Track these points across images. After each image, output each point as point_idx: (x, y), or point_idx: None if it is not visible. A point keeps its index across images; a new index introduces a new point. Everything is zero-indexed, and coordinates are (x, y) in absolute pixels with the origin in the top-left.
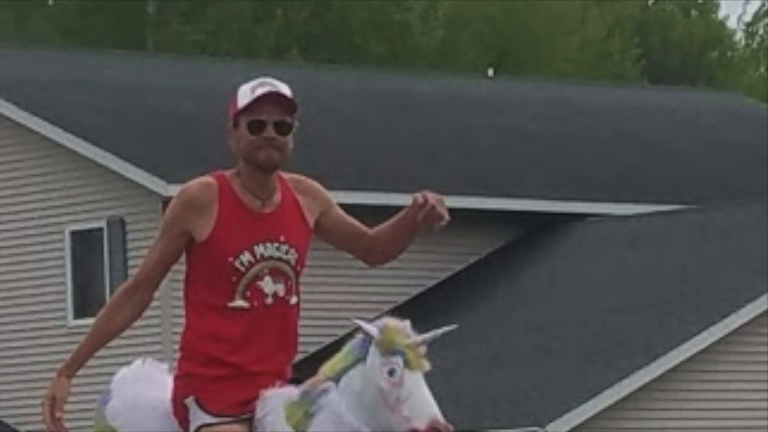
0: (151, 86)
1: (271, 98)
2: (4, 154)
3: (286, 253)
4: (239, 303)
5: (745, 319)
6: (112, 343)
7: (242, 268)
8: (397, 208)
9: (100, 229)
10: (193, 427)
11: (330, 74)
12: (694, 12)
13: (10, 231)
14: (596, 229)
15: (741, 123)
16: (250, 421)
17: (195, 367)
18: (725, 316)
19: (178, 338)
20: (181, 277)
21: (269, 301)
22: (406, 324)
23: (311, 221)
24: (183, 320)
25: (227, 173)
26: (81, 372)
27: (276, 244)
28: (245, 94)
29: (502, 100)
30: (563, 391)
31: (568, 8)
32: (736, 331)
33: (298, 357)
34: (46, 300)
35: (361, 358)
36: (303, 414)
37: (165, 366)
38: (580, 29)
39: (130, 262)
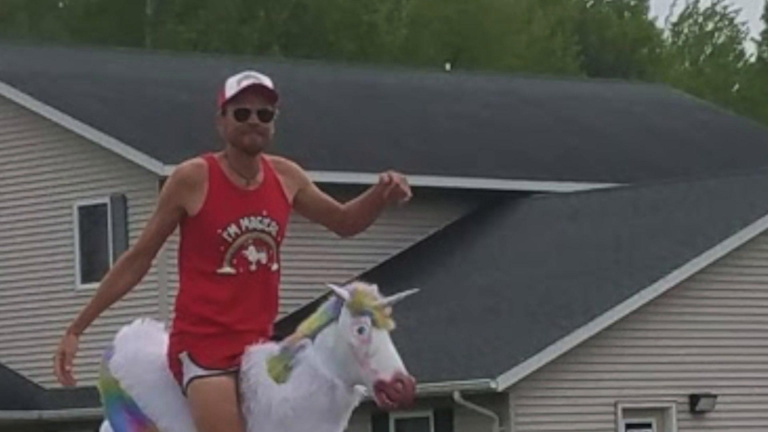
0: (149, 79)
1: (255, 89)
2: (19, 139)
3: (268, 225)
4: (227, 269)
5: (672, 284)
6: (115, 304)
7: (229, 239)
8: (365, 186)
9: (104, 205)
10: (186, 378)
11: (306, 68)
12: (626, 13)
13: (24, 206)
14: (541, 205)
15: (668, 111)
16: (236, 374)
17: (188, 326)
18: (654, 281)
19: (173, 300)
20: (176, 246)
21: (253, 267)
22: (374, 288)
23: (290, 197)
24: (177, 284)
25: (216, 155)
26: (87, 330)
27: (259, 218)
28: (232, 85)
29: (457, 91)
30: (512, 347)
31: (516, 10)
32: (664, 294)
33: (279, 317)
34: (56, 267)
35: (334, 318)
36: (283, 367)
37: (161, 325)
38: (526, 28)
39: (131, 234)
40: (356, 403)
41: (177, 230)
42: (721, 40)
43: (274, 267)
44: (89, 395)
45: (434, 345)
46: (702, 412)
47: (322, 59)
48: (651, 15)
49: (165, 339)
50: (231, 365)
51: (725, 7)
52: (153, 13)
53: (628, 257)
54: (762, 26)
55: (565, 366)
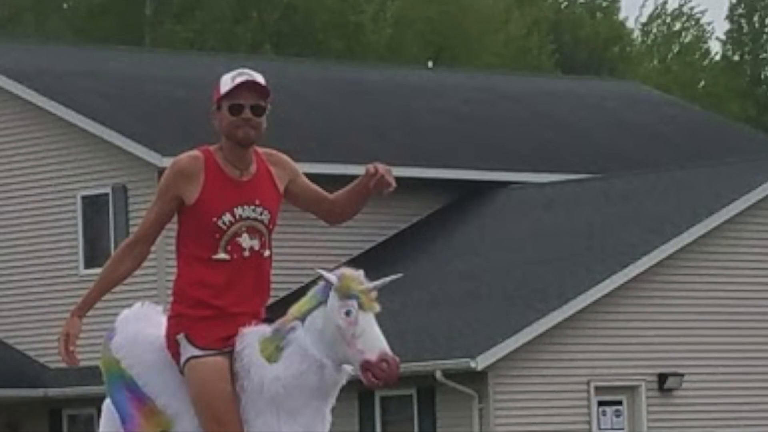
0: (149, 76)
1: (248, 86)
2: (26, 132)
3: (261, 214)
4: (221, 255)
5: (642, 269)
6: (116, 288)
7: (224, 227)
8: (352, 177)
9: (106, 194)
10: (183, 358)
11: (297, 66)
12: (598, 14)
13: (31, 196)
14: (517, 195)
15: (638, 106)
16: (230, 354)
17: (185, 309)
18: (625, 266)
19: (171, 285)
20: (174, 234)
21: (246, 254)
22: (360, 273)
23: (281, 188)
24: (175, 270)
25: (212, 148)
26: (90, 313)
27: (252, 207)
28: (227, 82)
29: (439, 87)
30: (490, 329)
31: (494, 10)
32: (634, 279)
33: (271, 300)
34: (61, 253)
35: (323, 301)
36: (274, 348)
37: (160, 308)
38: (504, 28)
39: (131, 222)
40: (344, 381)
41: (175, 218)
42: (687, 40)
43: (266, 253)
44: (92, 374)
45: (417, 327)
46: (670, 390)
47: (311, 57)
48: (622, 15)
49: (163, 321)
50: (226, 346)
51: (692, 8)
52: (152, 13)
53: (600, 244)
54: (726, 26)
55: (540, 347)
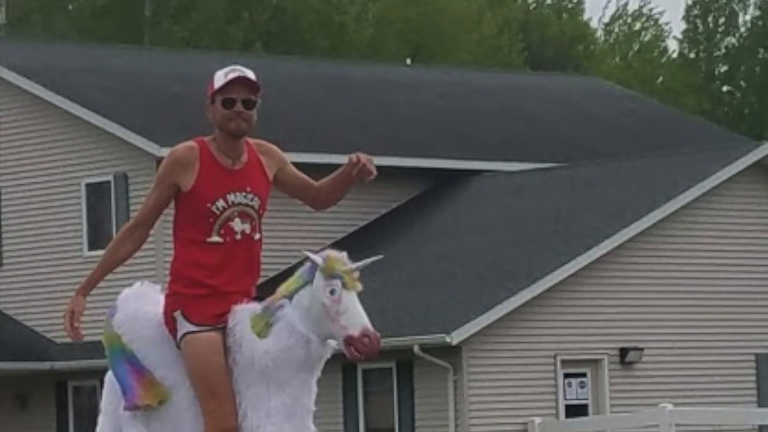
0: (148, 72)
1: (240, 81)
2: (34, 124)
3: (252, 200)
4: (215, 238)
5: (604, 251)
6: (118, 269)
7: (217, 212)
8: (336, 166)
9: (108, 182)
10: (179, 334)
11: (285, 63)
12: (564, 14)
13: (39, 183)
14: (489, 182)
15: (601, 100)
16: (223, 330)
17: (181, 288)
18: (589, 248)
19: (168, 266)
20: (171, 218)
21: (238, 237)
22: (344, 254)
23: (271, 176)
24: (172, 252)
25: (206, 138)
26: (93, 291)
27: (243, 193)
28: (220, 78)
29: (417, 82)
30: (464, 306)
31: (468, 11)
32: (597, 261)
33: (261, 280)
34: (66, 236)
35: (309, 281)
36: (264, 324)
37: (158, 287)
38: (477, 28)
39: (131, 207)
40: (328, 355)
41: (172, 204)
42: (647, 38)
43: (257, 236)
44: (95, 348)
45: (396, 304)
46: (630, 363)
47: (298, 55)
48: (586, 16)
49: (161, 299)
50: (219, 322)
51: (651, 9)
52: (150, 14)
53: (566, 228)
54: (683, 26)
55: (511, 323)
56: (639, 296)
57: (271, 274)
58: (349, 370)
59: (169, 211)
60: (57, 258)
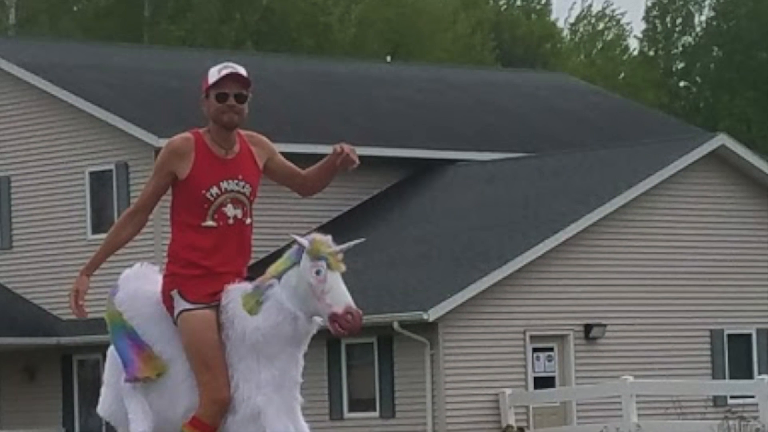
0: (147, 69)
1: (232, 77)
2: (41, 117)
3: (243, 187)
4: (209, 223)
5: (570, 235)
6: (119, 251)
7: (211, 198)
8: (322, 156)
9: (110, 170)
10: (176, 311)
11: (274, 60)
12: (533, 15)
13: (45, 172)
14: (464, 171)
15: (567, 95)
16: (217, 307)
17: (178, 269)
18: (556, 232)
19: (166, 248)
20: (168, 204)
21: (231, 221)
22: (329, 238)
23: (261, 165)
24: (169, 235)
25: (201, 130)
26: (97, 272)
27: (236, 181)
28: (214, 74)
29: (396, 78)
30: (440, 286)
31: (444, 12)
32: (564, 243)
33: (251, 261)
34: (71, 220)
35: (297, 262)
36: (255, 302)
37: (157, 268)
38: (452, 27)
39: (132, 194)
40: (314, 331)
41: (169, 191)
42: (609, 37)
43: (248, 221)
44: (98, 325)
45: (377, 284)
46: (594, 338)
47: (286, 53)
48: (553, 16)
49: (159, 279)
50: (213, 300)
51: (613, 10)
52: (149, 15)
53: (534, 213)
54: (643, 26)
55: (483, 301)
56: (602, 276)
57: (261, 255)
58: (333, 345)
59: (167, 198)
60: (63, 241)
